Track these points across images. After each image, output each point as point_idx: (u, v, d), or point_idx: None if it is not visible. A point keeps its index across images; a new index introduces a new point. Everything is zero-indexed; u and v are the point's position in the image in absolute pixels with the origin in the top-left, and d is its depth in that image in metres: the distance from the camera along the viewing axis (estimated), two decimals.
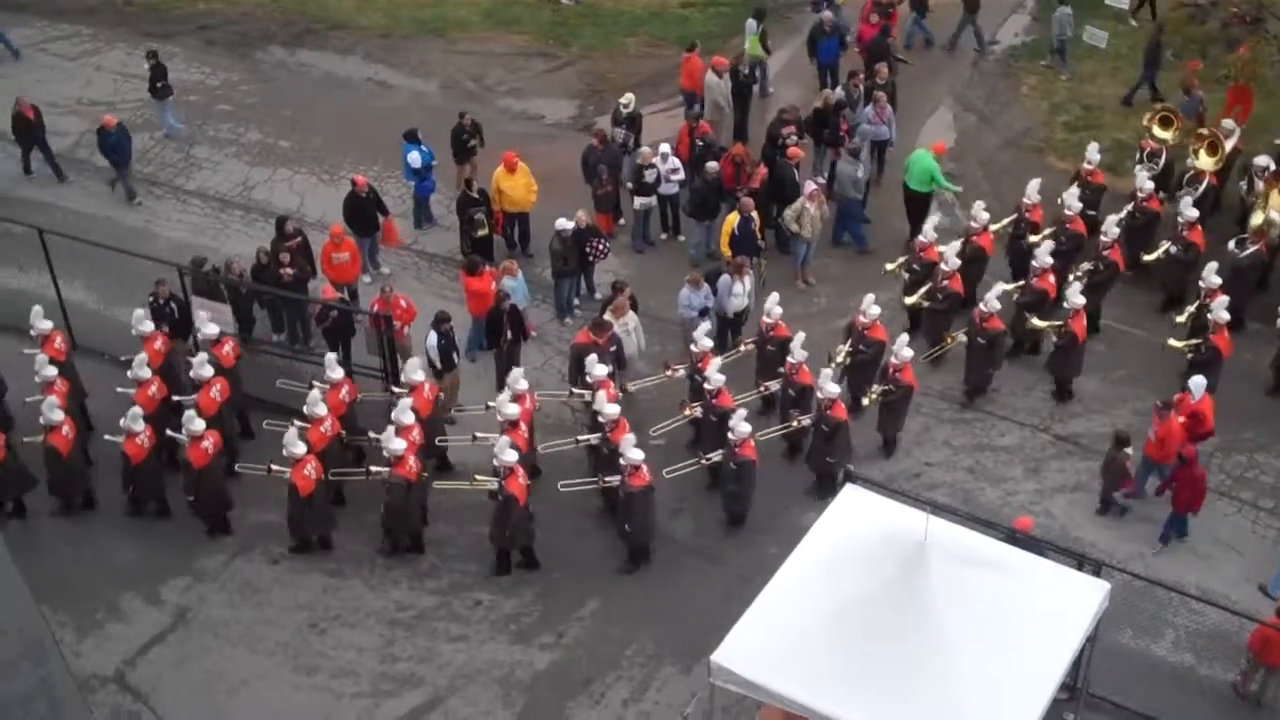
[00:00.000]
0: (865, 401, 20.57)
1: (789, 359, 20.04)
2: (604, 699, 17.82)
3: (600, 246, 23.14)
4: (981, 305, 21.10)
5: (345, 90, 29.19)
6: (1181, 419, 19.56)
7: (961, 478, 20.58)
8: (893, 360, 20.25)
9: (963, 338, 21.66)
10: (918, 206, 24.38)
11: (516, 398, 19.56)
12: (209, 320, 20.58)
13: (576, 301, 23.39)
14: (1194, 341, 21.09)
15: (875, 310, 20.68)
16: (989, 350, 21.33)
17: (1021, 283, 22.16)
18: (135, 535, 19.85)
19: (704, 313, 21.81)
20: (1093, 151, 23.84)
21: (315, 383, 19.99)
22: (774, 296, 21.17)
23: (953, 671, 14.77)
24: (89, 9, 31.77)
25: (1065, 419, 21.48)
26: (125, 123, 27.71)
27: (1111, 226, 22.11)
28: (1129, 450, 19.42)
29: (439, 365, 20.95)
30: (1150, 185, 23.20)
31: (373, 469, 19.09)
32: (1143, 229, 23.10)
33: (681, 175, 24.28)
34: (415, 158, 24.46)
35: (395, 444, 18.63)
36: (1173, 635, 18.39)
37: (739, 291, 21.86)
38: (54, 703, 9.18)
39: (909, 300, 22.14)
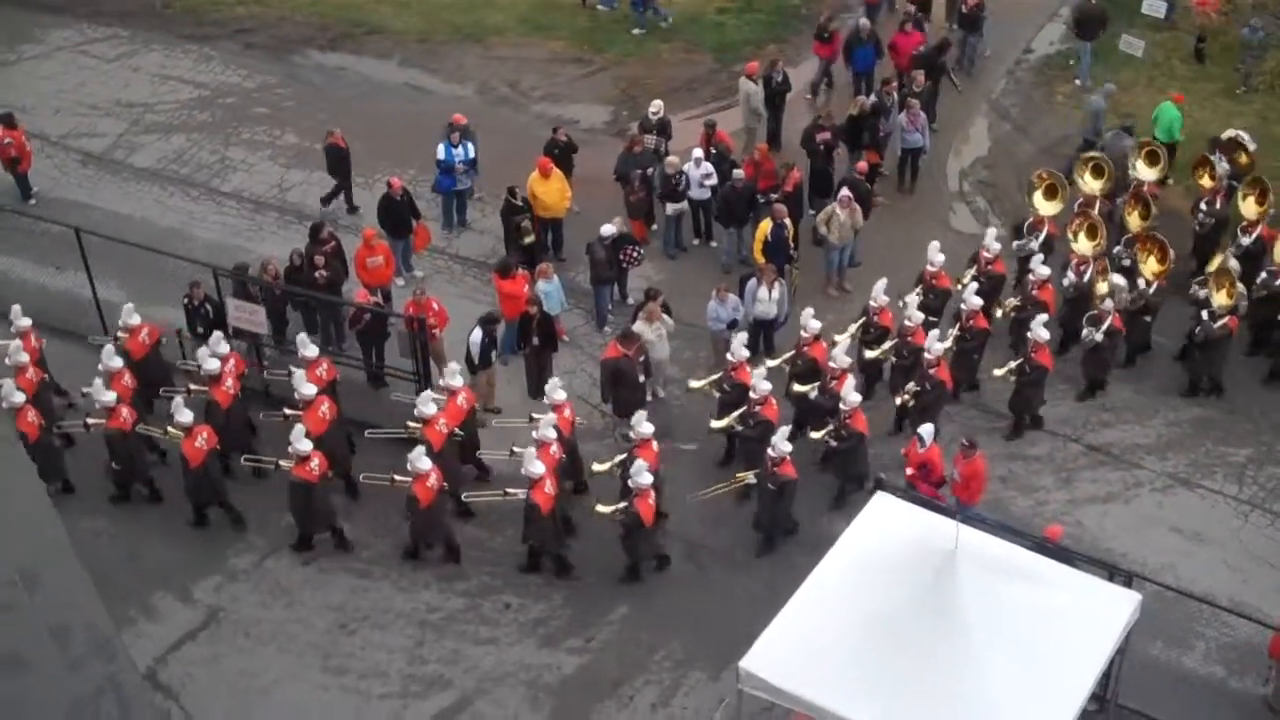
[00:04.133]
0: (602, 509, 18.91)
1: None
2: (632, 703, 17.85)
3: (634, 254, 23.16)
4: (771, 450, 18.77)
5: (381, 94, 29.30)
6: (910, 470, 18.87)
7: (992, 487, 20.45)
8: (624, 504, 18.60)
9: (752, 479, 19.35)
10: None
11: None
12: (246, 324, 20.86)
13: (609, 307, 23.41)
14: (1015, 364, 20.83)
15: (647, 429, 19.01)
16: (778, 496, 19.04)
17: (817, 383, 20.31)
18: (168, 534, 19.98)
19: (733, 324, 21.80)
20: (933, 251, 21.81)
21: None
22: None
23: (982, 681, 14.76)
24: (127, 12, 31.98)
25: (1098, 428, 21.41)
26: (164, 124, 28.03)
27: (934, 344, 20.22)
28: None
29: (476, 362, 21.02)
30: (998, 246, 22.29)
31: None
32: (989, 293, 21.83)
33: (715, 180, 24.27)
34: (440, 150, 24.58)
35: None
36: (1204, 647, 18.31)
37: (764, 297, 21.84)
38: (123, 700, 9.23)
39: (716, 425, 20.22)
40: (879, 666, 14.98)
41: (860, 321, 21.40)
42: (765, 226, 22.82)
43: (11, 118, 25.88)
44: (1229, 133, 24.60)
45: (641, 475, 18.35)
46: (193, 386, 20.36)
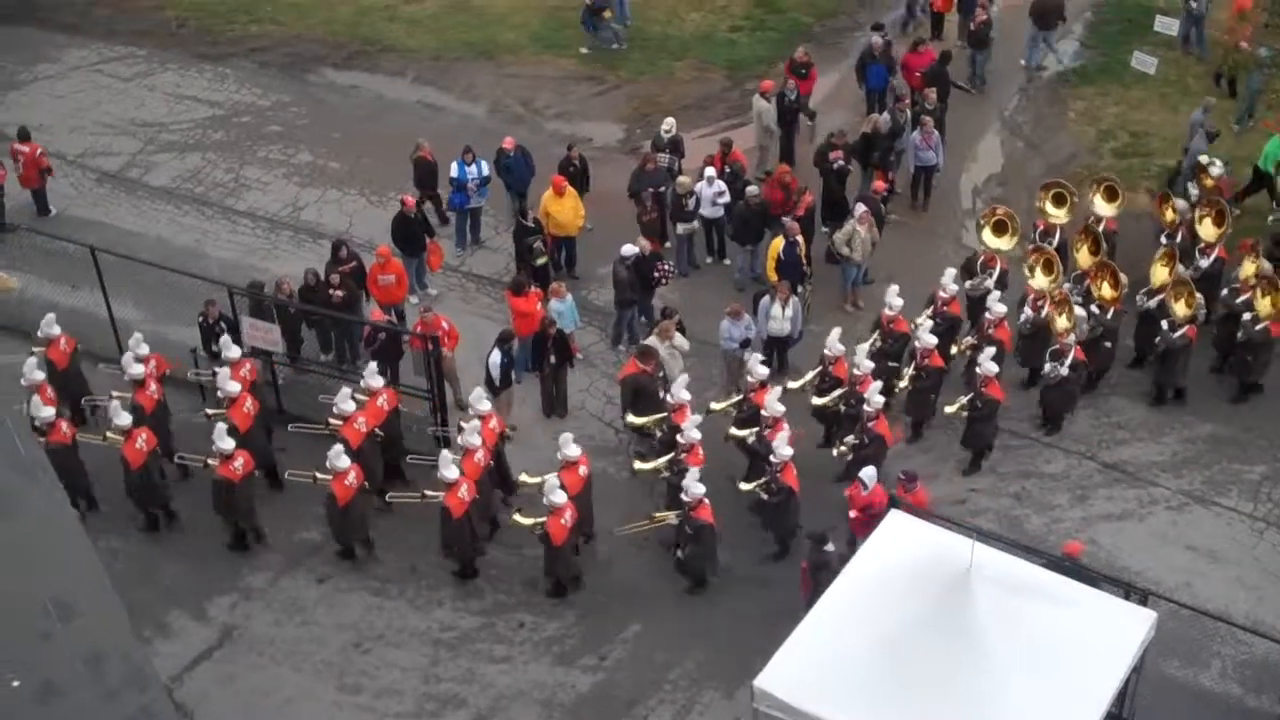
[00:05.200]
0: (519, 520, 19.02)
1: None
2: None
3: (667, 268, 23.09)
4: (685, 494, 18.57)
5: (395, 112, 29.38)
6: (854, 514, 18.46)
7: (1007, 504, 20.50)
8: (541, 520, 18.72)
9: (674, 519, 19.00)
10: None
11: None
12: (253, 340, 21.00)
13: (624, 330, 23.27)
14: (965, 399, 20.43)
15: (573, 451, 19.16)
16: (694, 540, 18.72)
17: (755, 429, 19.86)
18: (183, 553, 20.04)
19: (745, 344, 21.80)
20: (892, 295, 21.42)
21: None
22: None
23: (997, 700, 14.75)
24: (142, 31, 32.10)
25: (1112, 446, 21.38)
26: (179, 143, 28.14)
27: (874, 396, 19.60)
28: (829, 548, 17.86)
29: (497, 383, 21.06)
30: (954, 287, 21.84)
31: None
32: (946, 334, 21.56)
33: (728, 198, 24.26)
34: (454, 168, 24.67)
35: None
36: (1219, 665, 18.25)
37: (776, 314, 21.84)
38: None
39: (640, 467, 19.95)
40: (893, 685, 14.97)
41: (817, 370, 20.94)
42: (778, 244, 22.83)
43: (27, 132, 26.01)
44: (1202, 158, 24.43)
45: (554, 494, 18.44)
46: (115, 394, 20.40)
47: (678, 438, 19.41)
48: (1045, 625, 15.50)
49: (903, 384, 21.01)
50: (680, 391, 19.99)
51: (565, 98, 29.70)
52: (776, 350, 22.22)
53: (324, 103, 29.87)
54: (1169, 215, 23.46)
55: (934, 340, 20.91)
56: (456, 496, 18.71)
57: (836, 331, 21.02)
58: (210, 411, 20.35)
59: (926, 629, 15.21)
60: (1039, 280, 22.21)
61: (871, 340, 21.21)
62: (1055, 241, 23.11)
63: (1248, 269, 22.10)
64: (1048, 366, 21.17)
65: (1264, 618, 18.52)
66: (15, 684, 8.82)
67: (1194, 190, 23.96)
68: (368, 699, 18.20)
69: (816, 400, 20.76)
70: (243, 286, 22.13)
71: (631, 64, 30.56)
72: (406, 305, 23.38)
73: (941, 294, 21.86)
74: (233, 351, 20.60)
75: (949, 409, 20.63)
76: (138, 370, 20.25)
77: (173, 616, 19.21)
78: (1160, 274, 22.30)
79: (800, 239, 22.85)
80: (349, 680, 18.41)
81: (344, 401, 19.92)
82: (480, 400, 19.92)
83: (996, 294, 21.85)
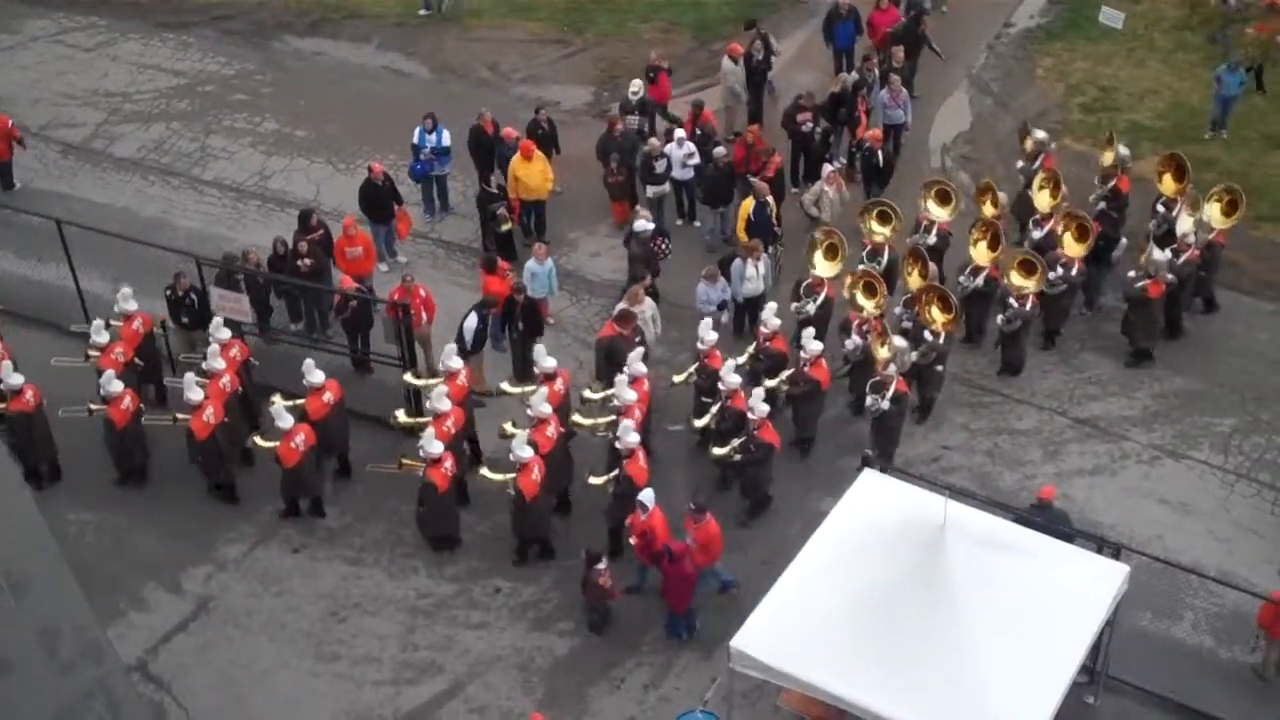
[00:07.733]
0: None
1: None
2: (624, 685, 17.88)
3: (663, 244, 22.92)
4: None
5: (360, 79, 29.23)
6: (634, 540, 17.91)
7: (980, 461, 20.57)
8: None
9: (419, 472, 18.69)
10: None
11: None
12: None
13: None
14: (737, 442, 19.09)
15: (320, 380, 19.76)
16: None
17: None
18: (157, 525, 19.95)
19: (722, 306, 21.77)
20: (705, 329, 20.33)
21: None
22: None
23: (972, 655, 14.82)
24: (103, 0, 31.82)
25: (1084, 401, 21.45)
26: (143, 114, 27.91)
27: (628, 435, 18.58)
28: (601, 566, 17.77)
29: (468, 347, 21.01)
30: (778, 322, 20.42)
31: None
32: (768, 371, 20.21)
33: (697, 160, 24.20)
34: (416, 133, 24.55)
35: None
36: (1192, 618, 18.37)
37: (751, 275, 21.82)
38: (112, 702, 9.22)
39: (401, 418, 19.86)
40: (869, 643, 15.04)
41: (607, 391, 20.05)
42: (748, 205, 22.81)
43: None
44: (1038, 134, 24.12)
45: (281, 419, 19.16)
46: None
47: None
48: (1019, 580, 15.58)
49: (700, 423, 19.93)
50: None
51: (531, 61, 29.56)
52: (749, 313, 22.16)
53: (288, 70, 29.69)
54: (988, 210, 22.67)
55: (738, 380, 19.47)
56: (201, 419, 19.36)
57: (640, 350, 20.17)
58: None
59: (901, 587, 15.28)
60: (862, 304, 20.98)
61: (687, 373, 20.51)
62: (884, 261, 21.93)
63: (1070, 246, 21.89)
64: (869, 400, 19.79)
65: (1235, 569, 18.64)
66: None
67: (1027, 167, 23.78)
68: (345, 667, 18.19)
69: (579, 419, 19.82)
70: (211, 257, 21.98)
71: (598, 26, 30.46)
72: (376, 274, 23.24)
73: (763, 329, 20.59)
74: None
75: (718, 451, 19.32)
76: None
77: (147, 589, 19.14)
78: (981, 252, 21.83)
79: (770, 200, 22.82)
80: (326, 649, 18.39)
81: (97, 334, 20.39)
82: (219, 329, 20.39)
83: (811, 331, 20.33)
